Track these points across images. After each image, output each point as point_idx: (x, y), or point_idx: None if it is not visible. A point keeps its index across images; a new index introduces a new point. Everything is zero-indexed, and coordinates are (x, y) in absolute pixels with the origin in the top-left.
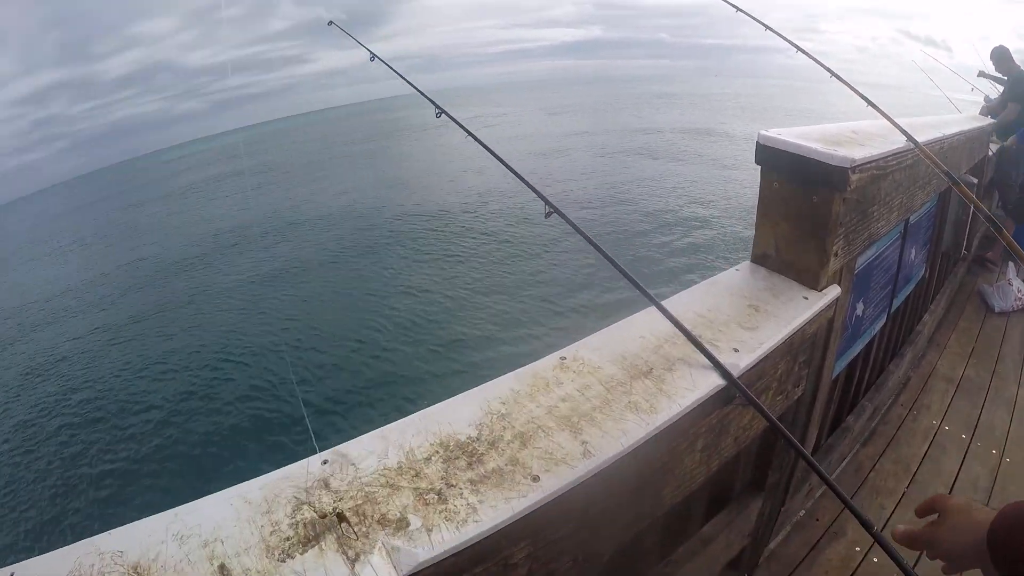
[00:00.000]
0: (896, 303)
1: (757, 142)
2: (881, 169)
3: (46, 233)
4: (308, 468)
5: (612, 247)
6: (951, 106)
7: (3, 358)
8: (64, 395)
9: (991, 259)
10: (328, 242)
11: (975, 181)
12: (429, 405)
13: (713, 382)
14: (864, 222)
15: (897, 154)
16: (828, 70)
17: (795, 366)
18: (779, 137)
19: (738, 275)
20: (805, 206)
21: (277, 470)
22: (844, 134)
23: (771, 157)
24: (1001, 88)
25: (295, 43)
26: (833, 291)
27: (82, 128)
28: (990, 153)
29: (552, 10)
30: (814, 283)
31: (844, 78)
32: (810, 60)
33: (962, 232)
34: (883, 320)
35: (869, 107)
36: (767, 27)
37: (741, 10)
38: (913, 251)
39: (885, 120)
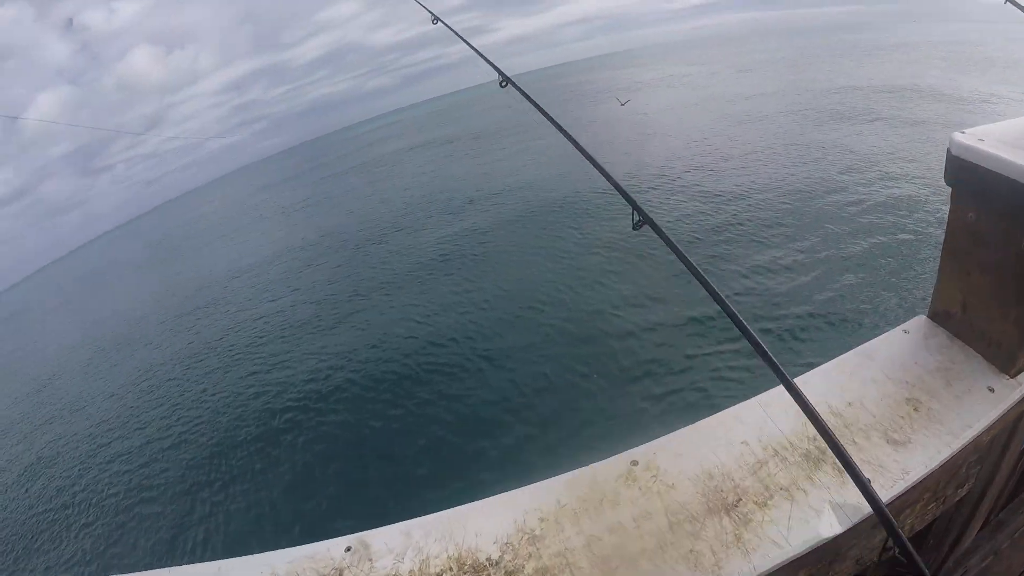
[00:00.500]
0: None
1: (948, 151)
2: None
3: (249, 206)
4: (330, 552)
5: (740, 268)
6: None
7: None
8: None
9: None
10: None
11: None
12: (464, 500)
13: (818, 533)
14: None
15: None
16: None
17: (962, 468)
18: (982, 148)
19: (904, 340)
20: (1014, 254)
21: (305, 546)
22: None
23: (968, 176)
24: None
25: (476, 14)
26: None
27: (278, 110)
28: None
29: None
30: (1007, 364)
31: None
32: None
33: None
34: None
35: None
36: None
37: None
38: None
39: None
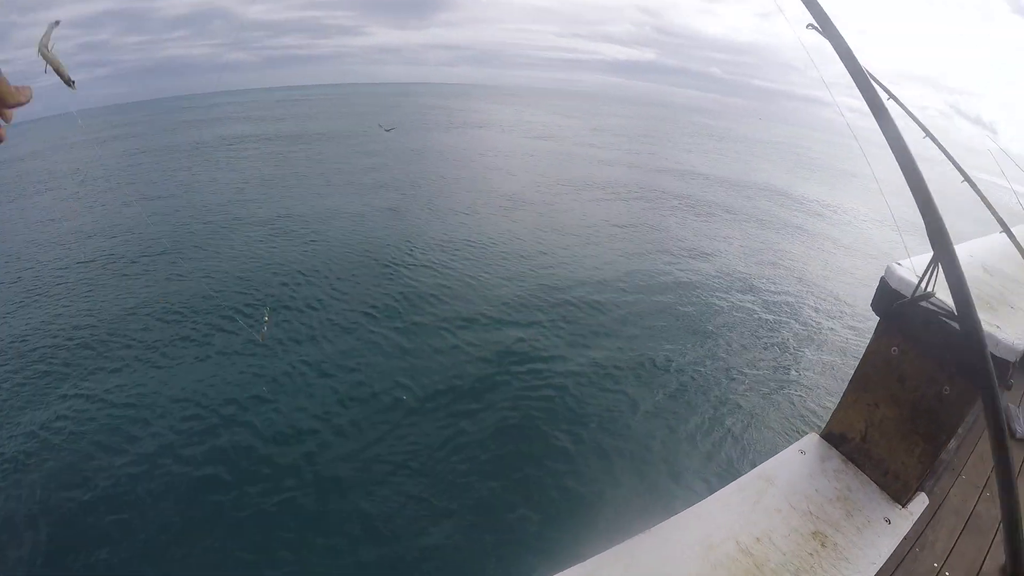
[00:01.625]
0: None
1: (882, 280)
2: None
3: (56, 160)
4: None
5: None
6: (1007, 195)
7: None
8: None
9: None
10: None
11: None
12: None
13: None
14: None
15: None
16: (951, 160)
17: None
18: (922, 288)
19: (801, 462)
20: (934, 395)
21: None
22: (979, 281)
23: (900, 311)
24: None
25: (351, 14)
26: (920, 503)
27: (127, 59)
28: None
29: (611, 26)
30: (901, 494)
31: (943, 144)
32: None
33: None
34: None
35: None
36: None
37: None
38: None
39: (994, 238)
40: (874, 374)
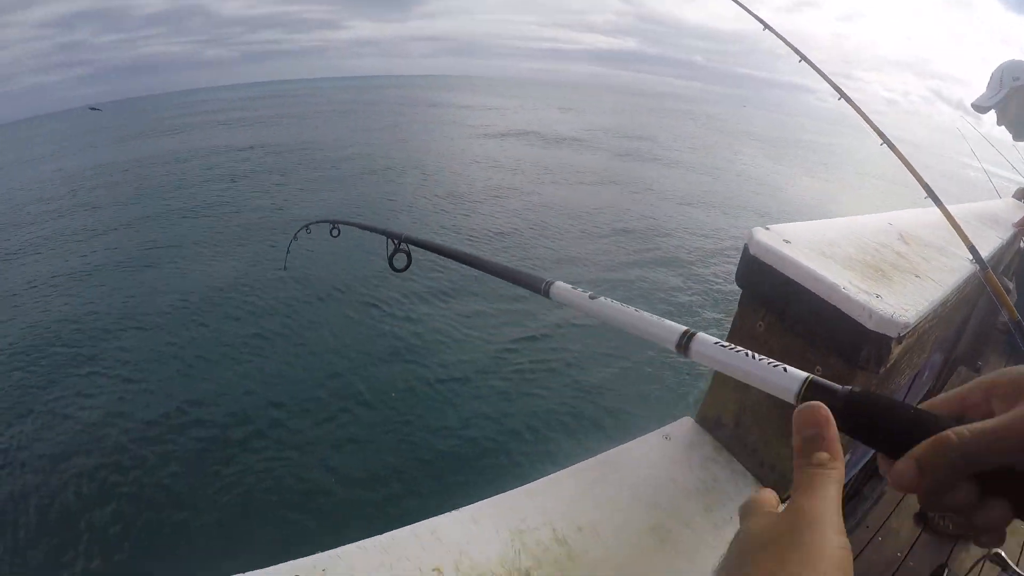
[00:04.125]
0: None
1: (745, 248)
2: (934, 319)
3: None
4: None
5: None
6: (987, 181)
7: None
8: None
9: None
10: None
11: (1012, 287)
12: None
13: None
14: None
15: (960, 289)
16: (870, 123)
17: None
18: (785, 253)
19: (663, 448)
20: None
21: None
22: (885, 247)
23: (763, 281)
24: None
25: (331, 8)
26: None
27: (104, 57)
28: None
29: (593, 15)
30: (778, 487)
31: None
32: (844, 107)
33: (983, 341)
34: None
35: (904, 170)
36: (815, 67)
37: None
38: (927, 371)
39: (934, 211)
40: None
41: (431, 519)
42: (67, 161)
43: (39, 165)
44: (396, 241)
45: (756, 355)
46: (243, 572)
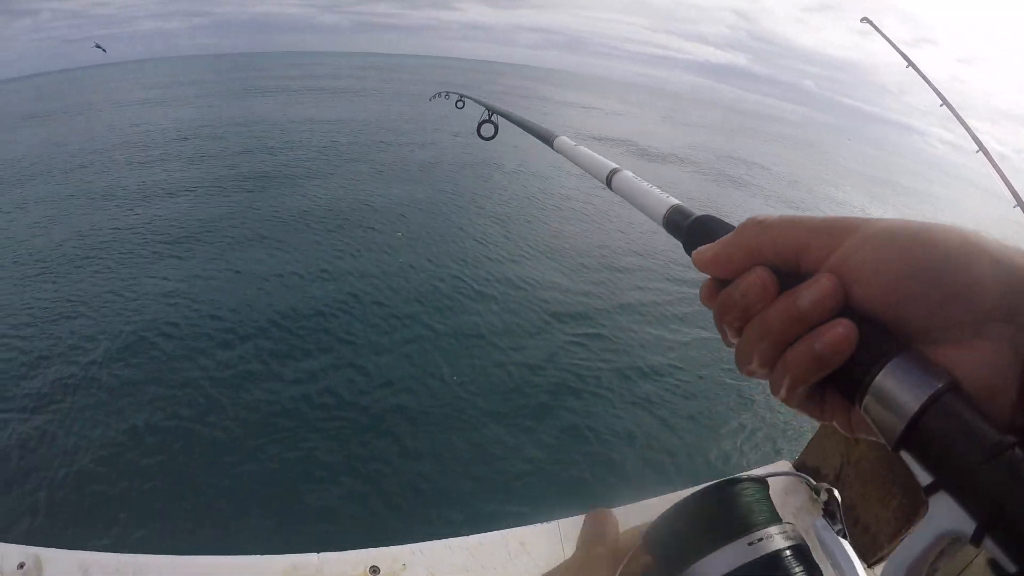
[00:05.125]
0: None
1: None
2: None
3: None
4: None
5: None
6: None
7: None
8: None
9: None
10: None
11: None
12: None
13: None
14: None
15: None
16: (1007, 182)
17: None
18: None
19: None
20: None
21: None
22: None
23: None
24: None
25: None
26: None
27: (223, 11)
28: None
29: (705, 25)
30: (869, 553)
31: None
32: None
33: None
34: None
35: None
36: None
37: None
38: None
39: None
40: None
41: (521, 527)
42: (181, 110)
43: (142, 109)
44: (489, 113)
45: (656, 186)
46: (320, 551)
